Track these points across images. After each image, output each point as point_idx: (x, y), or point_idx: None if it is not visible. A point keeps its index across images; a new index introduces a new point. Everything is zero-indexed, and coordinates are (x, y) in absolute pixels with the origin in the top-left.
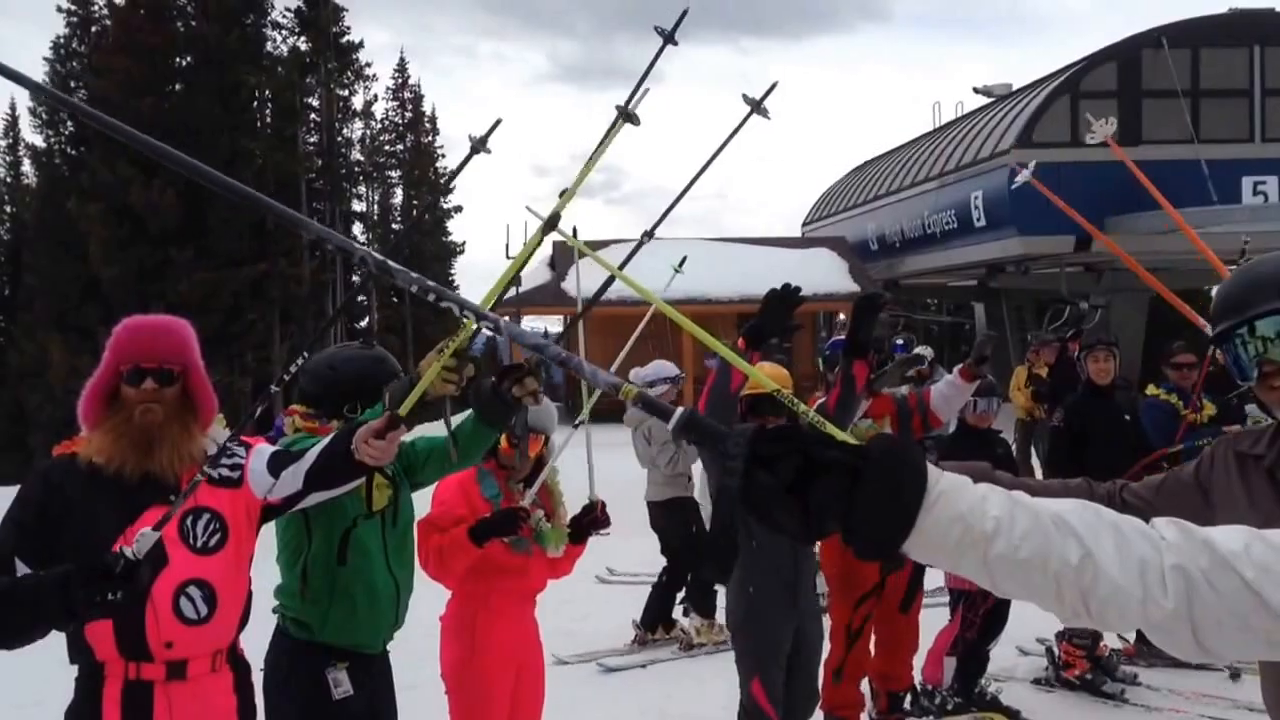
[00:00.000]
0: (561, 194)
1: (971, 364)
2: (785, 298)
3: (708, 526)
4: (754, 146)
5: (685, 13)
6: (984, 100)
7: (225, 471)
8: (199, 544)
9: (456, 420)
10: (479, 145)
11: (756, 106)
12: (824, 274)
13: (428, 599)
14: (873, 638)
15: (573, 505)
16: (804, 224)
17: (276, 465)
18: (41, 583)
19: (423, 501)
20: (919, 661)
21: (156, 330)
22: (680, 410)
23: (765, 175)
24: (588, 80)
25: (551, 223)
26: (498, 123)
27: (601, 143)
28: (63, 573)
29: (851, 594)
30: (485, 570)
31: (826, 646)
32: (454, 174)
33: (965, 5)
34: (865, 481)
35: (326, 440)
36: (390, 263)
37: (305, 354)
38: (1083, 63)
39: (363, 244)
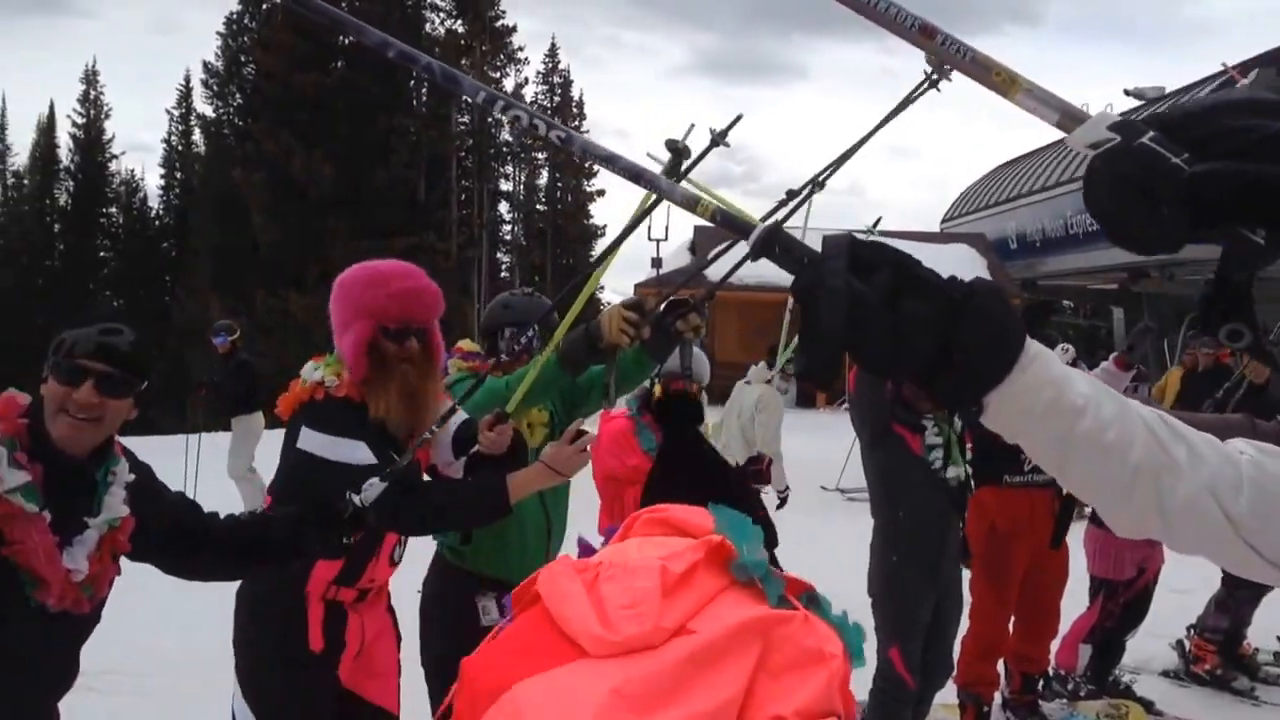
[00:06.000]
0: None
1: (1125, 353)
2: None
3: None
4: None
5: (739, 118)
6: (1135, 103)
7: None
8: None
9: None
10: (719, 139)
11: (933, 83)
12: (962, 270)
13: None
14: (1012, 619)
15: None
16: (943, 221)
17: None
18: (274, 522)
19: None
20: (1056, 646)
21: (422, 292)
22: (760, 225)
23: (900, 174)
24: (727, 73)
25: (681, 153)
26: (738, 118)
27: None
28: (295, 513)
29: (995, 574)
30: None
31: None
32: (695, 162)
33: (1118, 10)
34: (970, 311)
35: (463, 421)
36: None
37: None
38: (1240, 66)
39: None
